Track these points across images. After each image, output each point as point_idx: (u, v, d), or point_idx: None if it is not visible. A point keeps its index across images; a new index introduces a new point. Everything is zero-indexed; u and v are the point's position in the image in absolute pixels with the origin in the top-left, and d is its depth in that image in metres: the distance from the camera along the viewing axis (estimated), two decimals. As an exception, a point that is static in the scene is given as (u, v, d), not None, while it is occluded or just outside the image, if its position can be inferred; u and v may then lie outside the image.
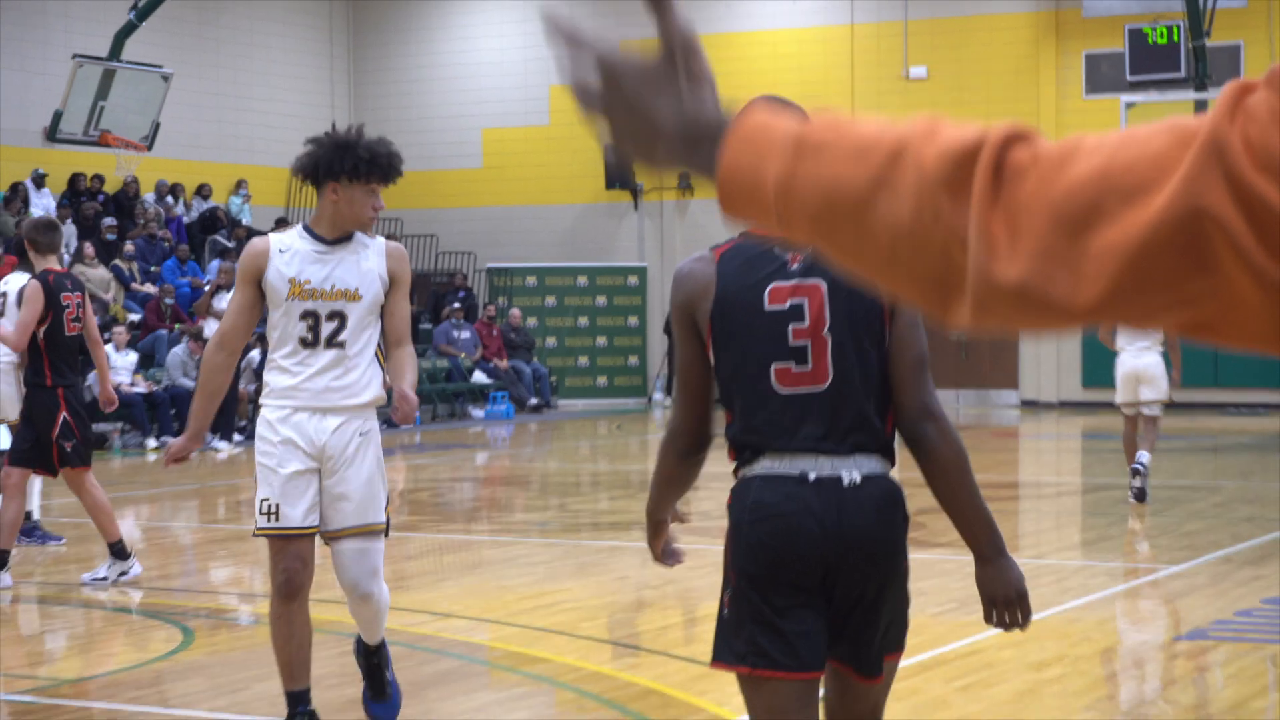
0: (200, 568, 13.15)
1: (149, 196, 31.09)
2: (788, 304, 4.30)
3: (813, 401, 4.27)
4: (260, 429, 6.83)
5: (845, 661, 4.34)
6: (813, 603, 4.24)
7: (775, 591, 4.21)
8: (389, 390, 6.78)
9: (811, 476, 4.24)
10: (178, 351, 25.14)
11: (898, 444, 4.37)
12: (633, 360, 34.51)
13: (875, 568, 4.27)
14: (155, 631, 9.94)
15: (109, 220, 28.88)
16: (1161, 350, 15.16)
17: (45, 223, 11.77)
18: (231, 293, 23.18)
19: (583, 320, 34.44)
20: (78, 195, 28.88)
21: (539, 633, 9.46)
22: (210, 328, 23.72)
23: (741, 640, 4.25)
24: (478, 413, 30.39)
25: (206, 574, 12.86)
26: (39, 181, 28.65)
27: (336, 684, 7.98)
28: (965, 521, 4.33)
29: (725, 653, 4.32)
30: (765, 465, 4.29)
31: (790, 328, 4.30)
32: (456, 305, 32.28)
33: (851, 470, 4.25)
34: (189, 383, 24.45)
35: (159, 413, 24.60)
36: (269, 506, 6.78)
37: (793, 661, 4.22)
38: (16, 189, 28.13)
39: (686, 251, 34.16)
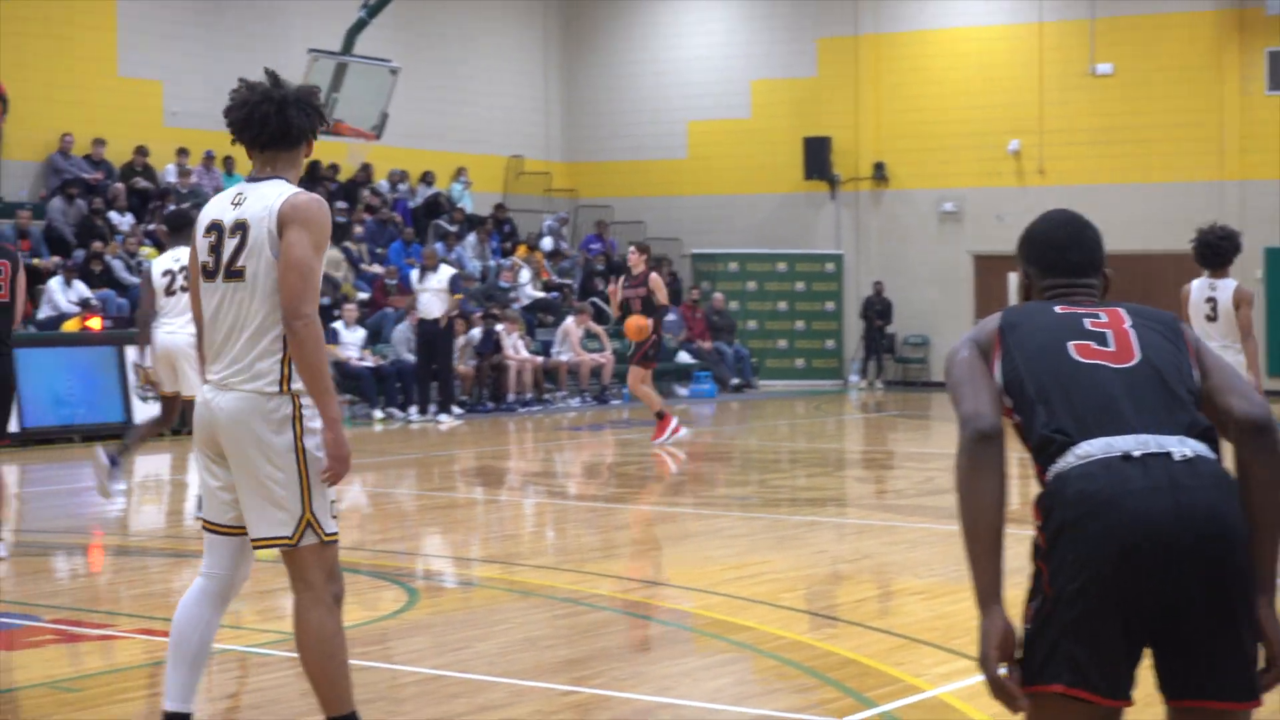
0: (422, 533, 13.30)
1: (382, 183, 31.56)
2: (1088, 324, 3.98)
3: (1119, 378, 3.84)
4: (313, 422, 5.70)
5: (1202, 688, 3.72)
6: (1142, 621, 3.68)
7: (1099, 606, 3.65)
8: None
9: (1136, 454, 3.71)
10: (401, 328, 25.48)
11: None
12: (829, 343, 34.34)
13: (1229, 553, 3.67)
14: (383, 592, 10.08)
15: (340, 204, 29.37)
16: None
17: None
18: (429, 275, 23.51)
19: (782, 304, 34.34)
20: (315, 180, 29.39)
21: (742, 602, 9.45)
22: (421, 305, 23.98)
23: (1057, 658, 3.68)
24: (682, 391, 30.47)
25: (427, 538, 13.02)
26: (276, 167, 29.15)
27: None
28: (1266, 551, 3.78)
29: (1037, 670, 3.73)
30: (1081, 452, 3.75)
31: (1086, 322, 3.96)
32: (662, 288, 32.40)
33: (1181, 446, 3.73)
34: (411, 357, 24.78)
35: (385, 385, 24.95)
36: (336, 510, 5.85)
37: (1107, 686, 3.68)
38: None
39: (881, 240, 34.03)
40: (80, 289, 22.86)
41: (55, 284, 22.97)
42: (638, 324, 18.99)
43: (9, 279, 10.77)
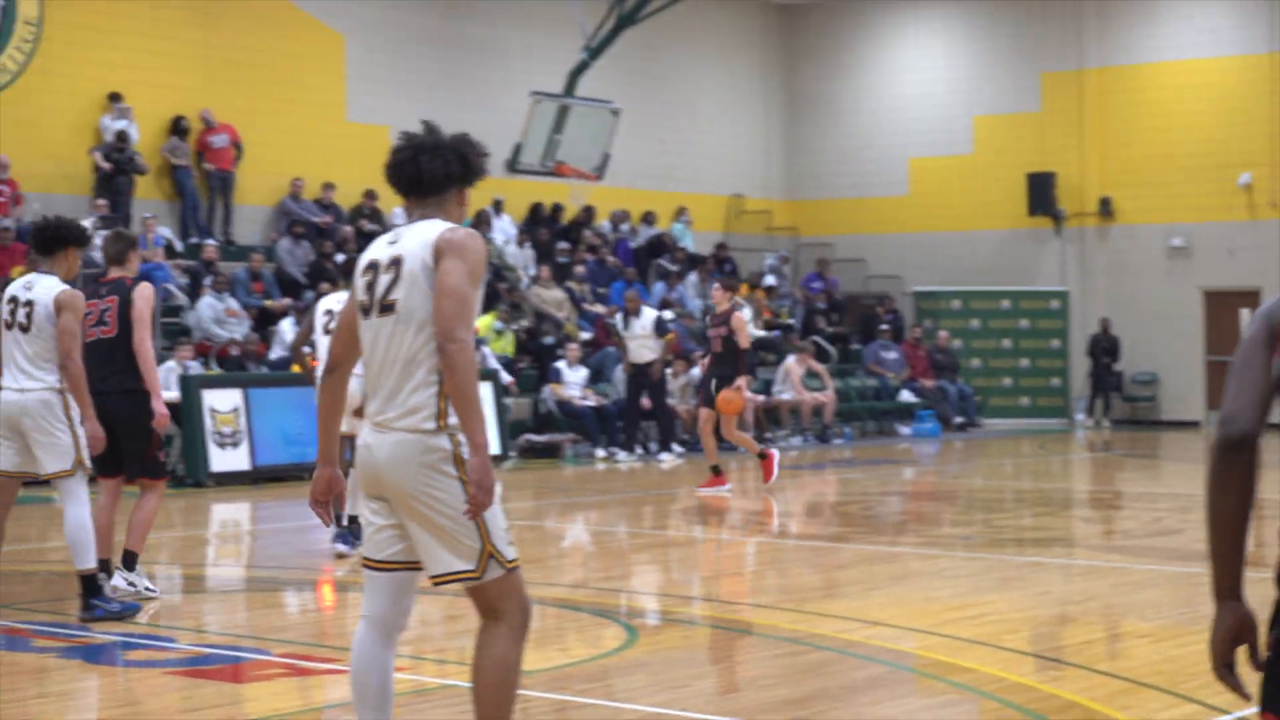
0: (643, 571, 13.36)
1: (604, 223, 31.84)
2: None
3: None
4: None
5: None
6: None
7: None
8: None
9: None
10: (620, 368, 25.66)
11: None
12: (1055, 381, 33.86)
13: None
14: (603, 629, 10.14)
15: (562, 244, 29.70)
16: None
17: (113, 235, 11.49)
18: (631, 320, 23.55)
19: (1006, 342, 33.96)
20: (537, 222, 29.76)
21: (963, 643, 9.35)
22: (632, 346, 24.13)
23: None
24: (905, 430, 30.26)
25: (648, 576, 13.07)
26: (498, 208, 29.62)
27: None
28: None
29: (1270, 699, 3.61)
30: None
31: None
32: (884, 327, 32.24)
33: None
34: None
35: (607, 425, 25.12)
36: (512, 537, 5.82)
37: None
38: (480, 215, 29.17)
39: (1108, 276, 33.49)
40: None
41: (286, 324, 23.52)
42: (728, 398, 17.94)
43: (116, 314, 10.92)
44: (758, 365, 28.14)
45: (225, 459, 20.30)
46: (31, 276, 10.77)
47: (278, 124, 27.82)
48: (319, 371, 12.48)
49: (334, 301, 13.35)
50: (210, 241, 25.75)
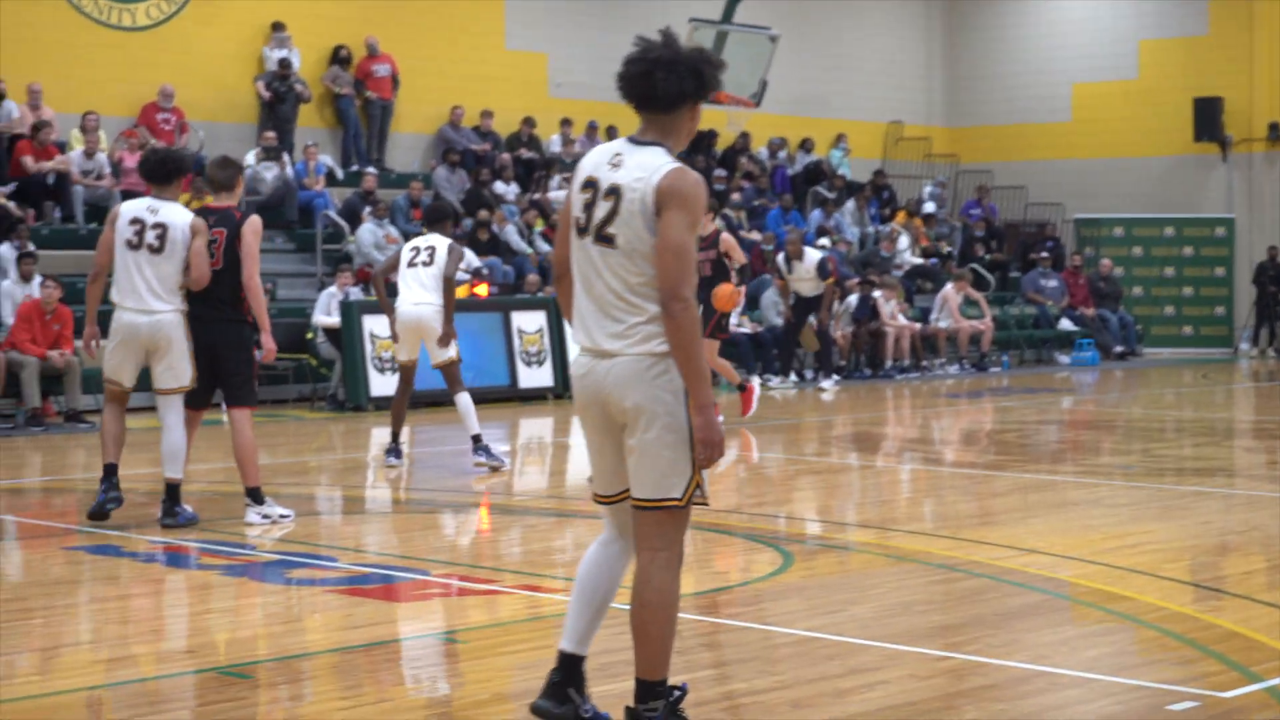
0: (798, 497, 13.34)
1: (761, 150, 31.70)
2: None
3: None
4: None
5: None
6: None
7: None
8: None
9: None
10: (770, 293, 25.61)
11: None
12: (1219, 310, 33.30)
13: None
14: (758, 555, 10.16)
15: (719, 172, 29.61)
16: None
17: (220, 160, 11.56)
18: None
19: (1169, 270, 33.45)
20: (694, 149, 29.68)
21: (1122, 572, 9.24)
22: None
23: None
24: (1064, 359, 29.93)
25: (803, 502, 13.05)
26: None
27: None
28: None
29: None
30: None
31: None
32: (1044, 254, 31.84)
33: None
34: (779, 320, 24.92)
35: (762, 352, 25.11)
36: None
37: None
38: (636, 144, 29.13)
39: (1276, 203, 32.77)
40: (468, 257, 23.51)
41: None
42: (727, 292, 17.23)
43: (223, 247, 11.04)
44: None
45: (385, 383, 20.52)
46: (152, 200, 11.05)
47: (437, 52, 27.98)
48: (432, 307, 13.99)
49: (422, 241, 14.34)
50: (370, 170, 25.98)
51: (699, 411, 5.52)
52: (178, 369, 10.92)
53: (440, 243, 14.20)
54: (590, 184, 5.69)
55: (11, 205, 21.38)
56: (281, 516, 11.21)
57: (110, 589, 9.26)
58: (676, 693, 5.74)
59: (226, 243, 11.02)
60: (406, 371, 14.74)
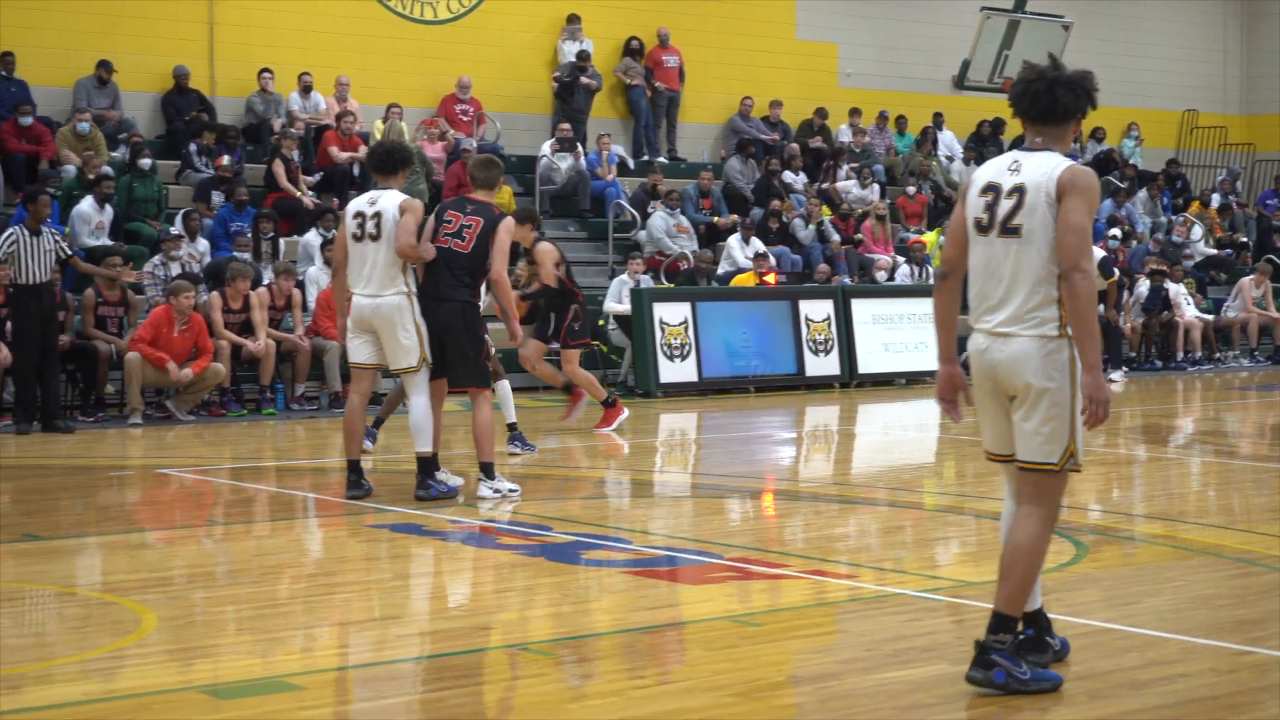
0: (1089, 488, 13.09)
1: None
2: None
3: None
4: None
5: None
6: None
7: None
8: None
9: None
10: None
11: None
12: None
13: None
14: (1051, 544, 9.95)
15: (1008, 162, 29.18)
16: None
17: (484, 160, 11.93)
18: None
19: None
20: (982, 139, 29.30)
21: None
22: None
23: None
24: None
25: (1095, 494, 12.79)
26: (939, 123, 29.32)
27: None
28: None
29: None
30: None
31: None
32: (1345, 245, 30.77)
33: None
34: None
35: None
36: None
37: None
38: (926, 132, 28.92)
39: None
40: (756, 245, 23.55)
41: (734, 240, 23.75)
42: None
43: (475, 234, 11.43)
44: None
45: (674, 370, 20.67)
46: (373, 192, 11.57)
47: (726, 42, 28.07)
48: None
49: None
50: (660, 159, 26.17)
51: (1088, 370, 6.28)
52: (408, 347, 11.31)
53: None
54: (991, 188, 6.48)
55: (310, 195, 21.99)
56: (510, 491, 11.61)
57: (409, 566, 9.48)
58: (1025, 634, 6.59)
59: (480, 231, 11.43)
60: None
